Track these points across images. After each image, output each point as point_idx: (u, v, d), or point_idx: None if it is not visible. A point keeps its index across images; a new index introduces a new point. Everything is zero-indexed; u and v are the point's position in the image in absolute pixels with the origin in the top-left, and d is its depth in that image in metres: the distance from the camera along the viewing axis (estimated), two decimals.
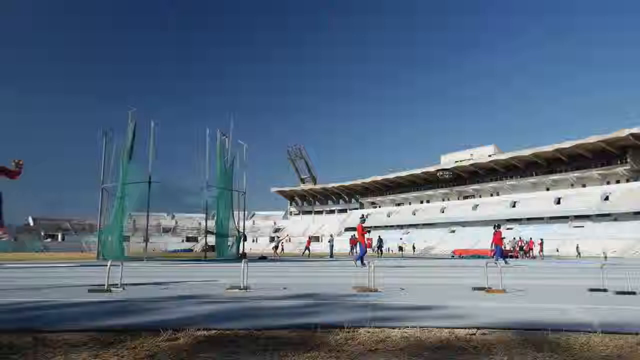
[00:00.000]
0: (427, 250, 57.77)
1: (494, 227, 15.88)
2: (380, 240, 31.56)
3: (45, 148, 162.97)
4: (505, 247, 32.24)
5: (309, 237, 36.24)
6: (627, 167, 56.00)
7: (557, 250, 44.29)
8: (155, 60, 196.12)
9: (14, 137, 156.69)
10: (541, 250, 31.10)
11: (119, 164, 17.19)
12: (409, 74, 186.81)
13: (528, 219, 59.65)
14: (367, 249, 12.61)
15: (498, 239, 15.36)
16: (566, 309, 3.26)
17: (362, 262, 11.97)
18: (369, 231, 13.21)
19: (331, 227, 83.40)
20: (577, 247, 39.27)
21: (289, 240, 74.24)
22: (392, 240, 62.65)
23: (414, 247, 55.24)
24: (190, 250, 63.35)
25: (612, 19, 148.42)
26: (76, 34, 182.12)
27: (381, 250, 31.86)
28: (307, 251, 29.55)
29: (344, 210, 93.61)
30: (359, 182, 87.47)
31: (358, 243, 12.67)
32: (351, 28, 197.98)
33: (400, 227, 75.48)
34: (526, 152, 63.58)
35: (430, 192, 79.15)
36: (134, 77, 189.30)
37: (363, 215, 13.87)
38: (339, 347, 1.93)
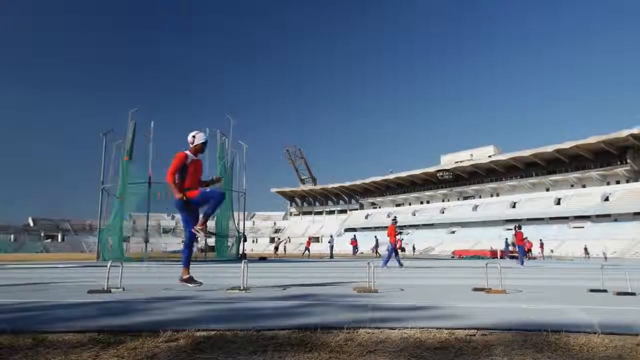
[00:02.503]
0: (427, 250, 57.78)
1: (515, 228, 15.77)
2: (377, 241, 31.58)
3: (45, 148, 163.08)
4: (508, 248, 32.32)
5: (309, 238, 36.22)
6: (627, 167, 56.05)
7: (552, 251, 44.19)
8: (155, 60, 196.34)
9: (14, 137, 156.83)
10: (541, 250, 31.14)
11: (119, 164, 17.20)
12: (408, 74, 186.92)
13: (528, 219, 59.66)
14: (398, 250, 12.66)
15: (520, 239, 15.25)
16: (566, 310, 3.26)
17: (399, 262, 12.12)
18: (401, 232, 13.16)
19: (331, 227, 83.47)
20: (586, 248, 39.21)
21: (289, 241, 74.18)
22: None
23: (413, 248, 55.28)
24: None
25: (612, 18, 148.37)
26: (76, 34, 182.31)
27: (378, 252, 31.87)
28: (307, 252, 29.56)
29: (343, 211, 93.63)
30: (358, 182, 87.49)
31: (389, 244, 12.63)
32: (351, 28, 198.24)
33: (400, 227, 75.42)
34: (526, 152, 63.62)
35: (430, 193, 79.21)
36: (134, 78, 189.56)
37: (395, 216, 13.85)
38: (339, 347, 1.93)
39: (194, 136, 4.73)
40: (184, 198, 4.49)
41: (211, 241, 20.08)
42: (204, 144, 4.79)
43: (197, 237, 4.71)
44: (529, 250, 31.15)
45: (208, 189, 4.67)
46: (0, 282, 5.65)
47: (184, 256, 4.69)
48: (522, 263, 14.50)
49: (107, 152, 17.35)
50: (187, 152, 4.68)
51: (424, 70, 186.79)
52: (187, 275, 4.51)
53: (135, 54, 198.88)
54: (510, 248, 32.06)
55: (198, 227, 4.61)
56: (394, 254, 12.24)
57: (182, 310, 3.09)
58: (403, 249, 53.63)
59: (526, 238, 15.51)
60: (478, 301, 3.75)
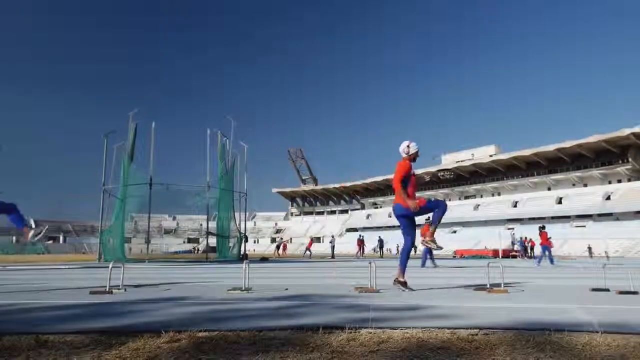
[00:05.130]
0: None
1: (540, 228, 15.74)
2: (380, 241, 31.52)
3: (46, 150, 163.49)
4: (513, 247, 32.29)
5: (311, 239, 36.23)
6: (629, 166, 55.97)
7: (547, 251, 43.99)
8: (156, 61, 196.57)
9: (15, 138, 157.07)
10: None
11: (120, 165, 17.22)
12: (409, 74, 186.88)
13: (529, 218, 59.57)
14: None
15: (545, 239, 15.26)
16: (568, 309, 3.26)
17: (433, 262, 12.31)
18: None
19: (332, 227, 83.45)
20: (590, 248, 39.06)
21: (290, 242, 74.23)
22: (393, 240, 62.59)
23: (415, 248, 55.22)
24: (192, 251, 63.41)
25: (612, 18, 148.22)
26: (76, 34, 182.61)
27: (382, 251, 31.81)
28: (308, 252, 29.57)
29: (345, 211, 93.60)
30: (359, 182, 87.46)
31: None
32: (351, 28, 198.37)
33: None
34: (527, 151, 63.55)
35: (431, 192, 79.08)
36: (135, 79, 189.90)
37: (429, 216, 13.92)
38: (341, 348, 1.93)
39: (408, 145, 4.69)
40: (417, 208, 4.51)
41: (212, 242, 20.10)
42: (418, 151, 4.74)
43: (431, 248, 4.86)
44: (531, 249, 31.14)
45: (432, 199, 4.75)
46: (1, 284, 5.67)
47: (402, 260, 4.68)
48: (552, 262, 14.65)
49: (108, 154, 17.38)
50: (407, 161, 4.67)
51: (425, 70, 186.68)
52: (404, 279, 4.59)
53: (135, 54, 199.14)
54: (516, 247, 32.04)
55: (429, 238, 4.81)
56: (428, 253, 12.48)
57: (184, 311, 3.09)
58: (383, 249, 53.75)
59: (550, 238, 15.49)
60: (480, 301, 3.75)
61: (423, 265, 12.34)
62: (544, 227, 15.70)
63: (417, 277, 7.74)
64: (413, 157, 4.71)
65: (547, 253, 15.10)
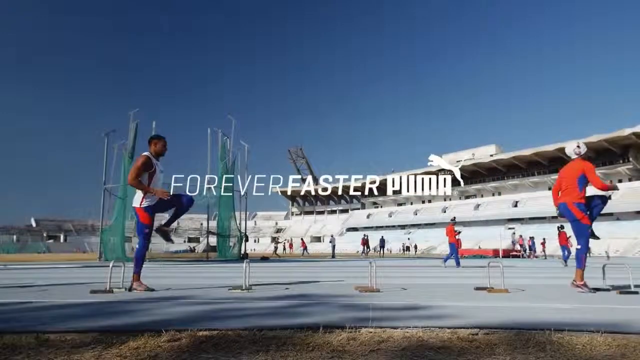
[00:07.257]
0: (429, 250, 57.73)
1: (559, 228, 15.70)
2: (382, 241, 31.61)
3: (47, 149, 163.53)
4: (514, 247, 32.28)
5: (302, 239, 36.61)
6: (630, 166, 55.91)
7: (543, 251, 43.87)
8: (156, 61, 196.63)
9: (15, 138, 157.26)
10: (543, 250, 31.11)
11: (120, 164, 17.23)
12: (409, 74, 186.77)
13: (530, 218, 59.54)
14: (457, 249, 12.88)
15: (564, 239, 15.21)
16: (568, 309, 3.26)
17: (457, 262, 12.22)
18: (460, 232, 13.30)
19: (333, 227, 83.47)
20: (589, 248, 38.93)
21: (291, 241, 74.25)
22: (394, 240, 62.63)
23: (415, 247, 55.30)
24: (192, 250, 63.40)
25: (613, 18, 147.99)
26: (77, 35, 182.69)
27: (383, 251, 31.92)
28: (305, 252, 30.02)
29: (345, 211, 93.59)
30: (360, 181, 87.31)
31: (450, 244, 12.66)
32: (350, 28, 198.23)
33: (402, 227, 75.44)
34: (528, 151, 63.48)
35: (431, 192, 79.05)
36: (136, 78, 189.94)
37: (454, 216, 13.92)
38: (341, 347, 1.93)
39: (578, 146, 5.05)
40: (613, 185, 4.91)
41: (213, 241, 20.11)
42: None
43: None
44: (529, 248, 31.17)
45: None
46: (2, 283, 5.67)
47: (583, 261, 4.85)
48: (565, 262, 14.55)
49: (109, 153, 17.38)
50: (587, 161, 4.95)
51: (425, 70, 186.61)
52: (583, 281, 4.64)
53: (136, 54, 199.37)
54: (517, 247, 32.09)
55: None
56: (454, 253, 12.46)
57: (184, 310, 3.09)
58: (384, 249, 53.94)
59: (569, 237, 15.45)
60: (480, 300, 3.75)
61: (445, 262, 12.37)
62: (562, 227, 15.61)
63: (418, 276, 7.74)
64: (586, 156, 5.05)
65: (566, 252, 15.02)
